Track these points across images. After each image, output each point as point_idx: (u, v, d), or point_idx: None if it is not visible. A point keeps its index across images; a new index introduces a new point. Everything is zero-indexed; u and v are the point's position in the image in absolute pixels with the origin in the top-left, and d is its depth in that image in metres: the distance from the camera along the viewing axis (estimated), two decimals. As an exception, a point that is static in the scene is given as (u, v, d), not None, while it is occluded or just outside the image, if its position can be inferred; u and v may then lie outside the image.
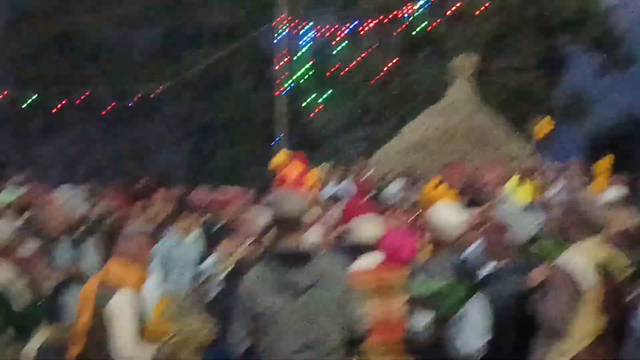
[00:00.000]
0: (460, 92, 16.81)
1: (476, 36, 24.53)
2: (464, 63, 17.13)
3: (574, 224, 4.58)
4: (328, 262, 4.32)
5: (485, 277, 4.81)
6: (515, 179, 10.26)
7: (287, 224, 4.24)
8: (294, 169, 7.71)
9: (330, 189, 14.07)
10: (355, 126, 27.96)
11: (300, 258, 4.16)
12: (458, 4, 18.79)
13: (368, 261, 5.23)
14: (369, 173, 14.58)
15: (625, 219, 5.64)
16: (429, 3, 19.09)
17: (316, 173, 7.98)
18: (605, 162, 9.13)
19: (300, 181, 7.41)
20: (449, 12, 19.67)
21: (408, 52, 24.56)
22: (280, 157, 8.18)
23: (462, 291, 4.82)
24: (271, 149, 24.01)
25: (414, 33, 20.94)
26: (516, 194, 9.51)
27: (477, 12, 20.12)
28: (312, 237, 6.04)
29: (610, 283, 4.41)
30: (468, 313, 4.65)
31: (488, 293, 4.60)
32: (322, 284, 4.14)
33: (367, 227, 5.42)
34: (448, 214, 5.61)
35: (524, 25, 26.22)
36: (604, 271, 4.39)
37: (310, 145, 30.21)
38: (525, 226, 5.04)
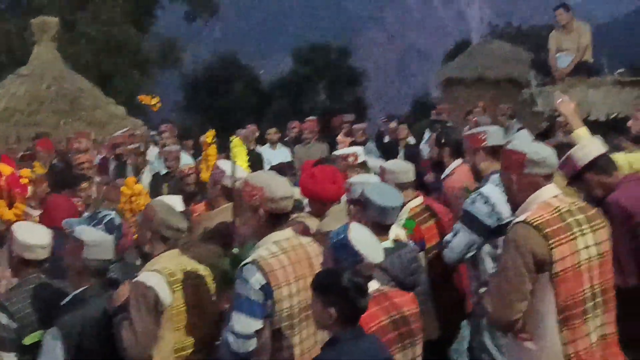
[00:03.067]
0: (44, 56, 15.78)
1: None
2: (45, 24, 16.05)
3: (149, 239, 4.37)
4: None
5: (63, 305, 4.37)
6: None
7: None
8: (5, 171, 6.75)
9: None
10: None
11: None
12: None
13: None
14: None
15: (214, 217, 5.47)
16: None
17: (27, 172, 7.01)
18: (209, 136, 8.78)
19: (17, 183, 6.54)
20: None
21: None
22: None
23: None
24: None
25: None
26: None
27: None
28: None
29: (192, 296, 4.32)
30: (42, 351, 4.27)
31: (60, 324, 4.22)
32: None
33: None
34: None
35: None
36: (185, 282, 4.28)
37: None
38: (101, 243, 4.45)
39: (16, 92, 15.08)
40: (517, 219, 3.68)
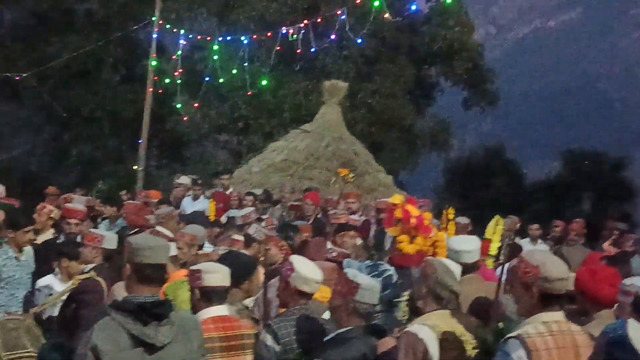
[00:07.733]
0: (328, 116, 16.88)
1: (349, 58, 24.92)
2: (335, 87, 17.21)
3: (424, 295, 4.50)
4: (185, 317, 4.05)
5: (327, 341, 4.56)
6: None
7: (148, 273, 3.87)
8: (412, 212, 7.71)
9: (188, 205, 13.72)
10: (222, 134, 27.74)
11: (156, 312, 3.78)
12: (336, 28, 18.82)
13: (218, 310, 4.74)
14: (229, 191, 14.28)
15: (477, 289, 5.61)
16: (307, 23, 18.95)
17: (429, 216, 7.93)
18: (450, 214, 8.97)
19: (422, 224, 7.52)
20: (332, 36, 19.82)
21: (281, 66, 24.56)
22: (395, 200, 8.04)
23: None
24: (134, 147, 23.35)
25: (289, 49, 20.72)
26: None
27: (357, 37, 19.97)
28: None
29: (455, 356, 4.34)
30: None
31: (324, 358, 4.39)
32: (179, 340, 3.85)
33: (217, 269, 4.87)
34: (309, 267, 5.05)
35: (396, 52, 26.79)
36: (450, 344, 4.32)
37: (175, 147, 29.85)
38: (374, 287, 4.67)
39: (297, 146, 16.16)
40: None
